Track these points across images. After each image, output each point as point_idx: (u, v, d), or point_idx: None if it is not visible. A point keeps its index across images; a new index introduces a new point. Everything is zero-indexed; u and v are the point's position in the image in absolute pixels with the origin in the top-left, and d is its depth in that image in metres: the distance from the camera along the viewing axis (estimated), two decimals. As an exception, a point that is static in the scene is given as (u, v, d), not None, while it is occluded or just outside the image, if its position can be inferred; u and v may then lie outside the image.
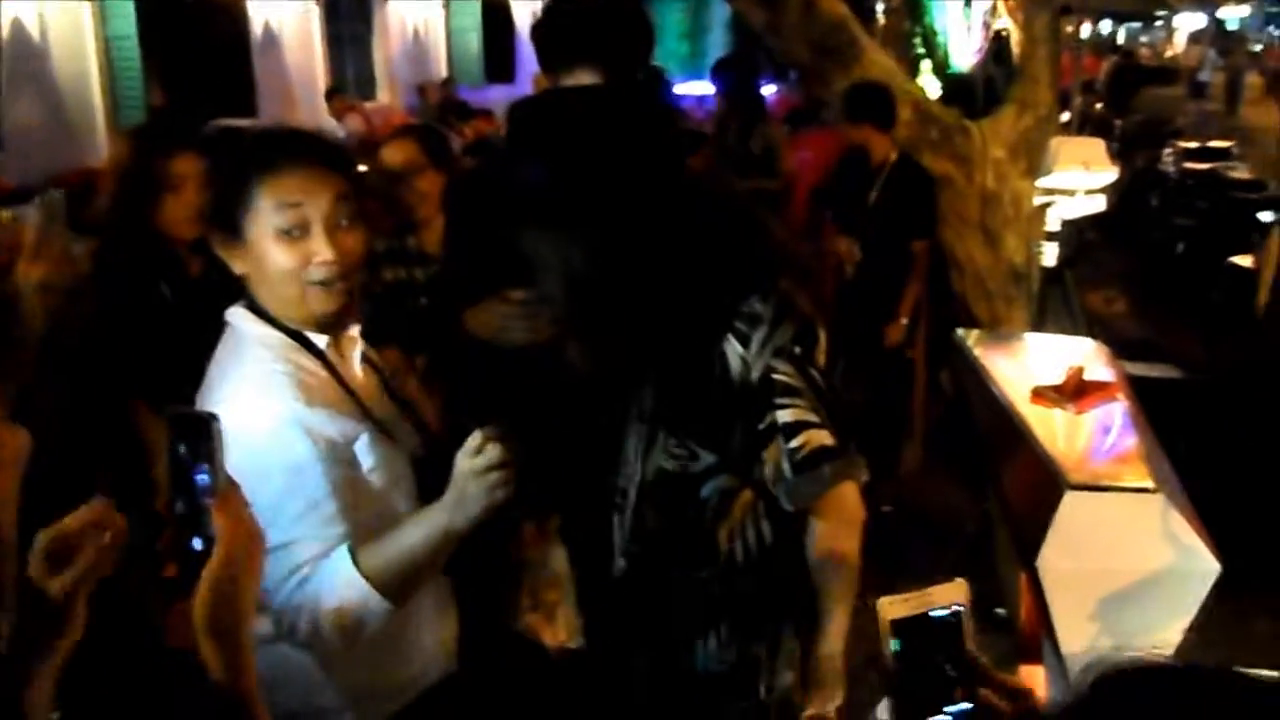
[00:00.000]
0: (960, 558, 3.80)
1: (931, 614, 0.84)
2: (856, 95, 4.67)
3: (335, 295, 1.57)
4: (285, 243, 1.54)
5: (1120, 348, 6.69)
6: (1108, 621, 2.30)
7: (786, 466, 1.60)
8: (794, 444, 1.59)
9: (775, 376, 1.60)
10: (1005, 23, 6.26)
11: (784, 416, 1.59)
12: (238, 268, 1.59)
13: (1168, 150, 11.05)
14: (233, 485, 1.07)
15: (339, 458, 1.53)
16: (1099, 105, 14.69)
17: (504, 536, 1.77)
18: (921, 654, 0.83)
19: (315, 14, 12.50)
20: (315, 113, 11.23)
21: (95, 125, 9.53)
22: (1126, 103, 14.44)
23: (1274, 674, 0.79)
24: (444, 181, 3.14)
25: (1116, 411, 2.71)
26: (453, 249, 2.27)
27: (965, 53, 6.64)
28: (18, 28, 8.82)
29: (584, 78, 1.75)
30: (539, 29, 1.92)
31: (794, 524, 1.66)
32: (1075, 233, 6.74)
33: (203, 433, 1.00)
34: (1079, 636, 2.32)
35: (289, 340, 1.58)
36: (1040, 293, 4.89)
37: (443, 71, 14.13)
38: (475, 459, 1.41)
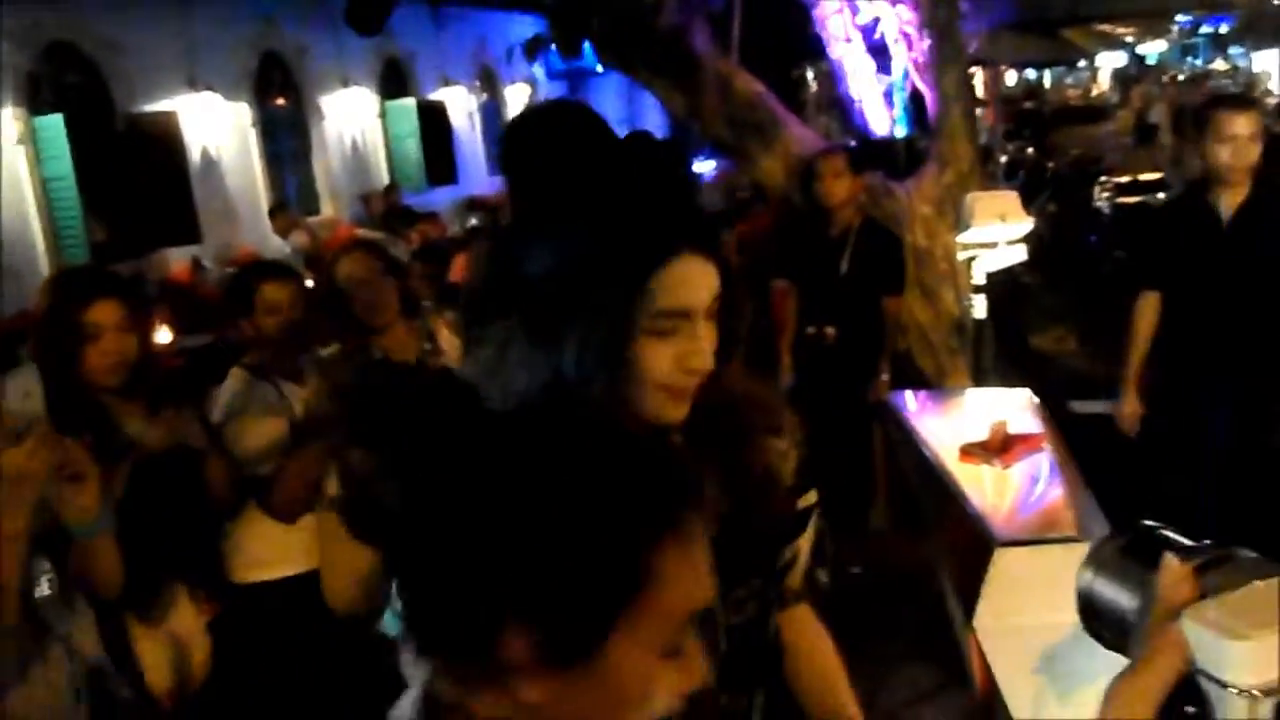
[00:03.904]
0: (925, 617, 3.80)
1: None
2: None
3: None
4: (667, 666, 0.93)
5: (1072, 386, 6.79)
6: (1051, 675, 2.31)
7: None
8: None
9: None
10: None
11: None
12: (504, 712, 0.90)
13: (1100, 187, 11.28)
14: None
15: None
16: (1030, 150, 15.00)
17: None
18: None
19: (252, 135, 12.62)
20: (260, 232, 11.29)
21: (37, 268, 9.54)
22: (1052, 144, 14.79)
23: None
24: (398, 289, 3.23)
25: (1043, 462, 2.74)
26: None
27: (884, 116, 6.79)
28: (-46, 178, 8.88)
29: None
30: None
31: None
32: (1007, 280, 6.86)
33: None
34: (1024, 693, 2.33)
35: None
36: (978, 343, 4.93)
37: (384, 179, 14.26)
38: None
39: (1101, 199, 10.95)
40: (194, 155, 11.53)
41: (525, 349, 1.29)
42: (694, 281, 1.27)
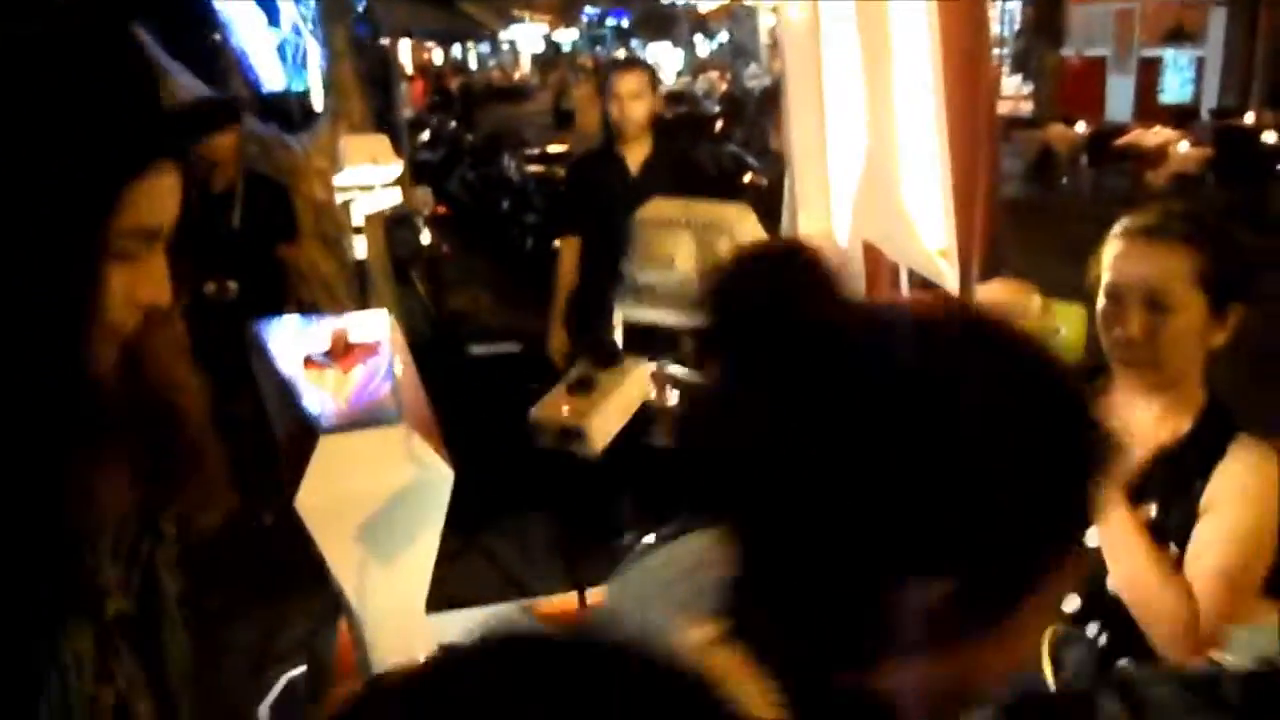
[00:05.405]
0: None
1: None
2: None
3: None
4: None
5: (480, 335, 7.27)
6: (371, 540, 2.55)
7: None
8: None
9: None
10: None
11: None
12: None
13: (511, 158, 12.11)
14: None
15: None
16: (454, 123, 15.68)
17: None
18: None
19: None
20: None
21: None
22: (473, 119, 15.63)
23: None
24: None
25: (379, 364, 2.98)
26: None
27: (277, 70, 6.83)
28: None
29: None
30: None
31: None
32: (411, 234, 7.21)
33: None
34: (348, 559, 2.56)
35: None
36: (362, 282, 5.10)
37: None
38: None
39: (511, 169, 11.73)
40: None
41: None
42: (166, 197, 1.03)
